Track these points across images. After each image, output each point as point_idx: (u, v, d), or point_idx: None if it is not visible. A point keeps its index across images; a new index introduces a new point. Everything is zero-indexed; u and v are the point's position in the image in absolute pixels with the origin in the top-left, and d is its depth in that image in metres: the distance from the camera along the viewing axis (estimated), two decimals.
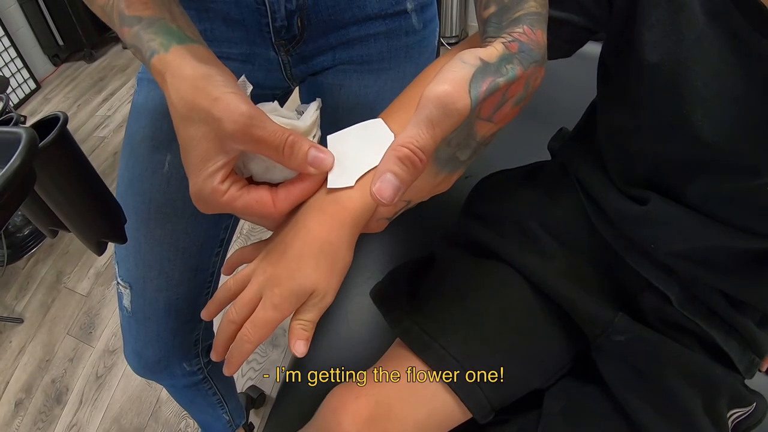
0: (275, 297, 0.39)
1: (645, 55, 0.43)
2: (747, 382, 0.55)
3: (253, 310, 0.40)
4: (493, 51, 0.36)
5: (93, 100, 2.83)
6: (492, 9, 0.39)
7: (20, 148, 0.37)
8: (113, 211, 0.53)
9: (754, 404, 0.54)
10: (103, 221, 0.52)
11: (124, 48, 3.25)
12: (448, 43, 2.70)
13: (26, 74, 2.87)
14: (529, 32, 0.37)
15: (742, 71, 0.39)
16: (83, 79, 3.04)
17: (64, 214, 0.50)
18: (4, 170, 0.36)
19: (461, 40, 2.72)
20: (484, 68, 0.35)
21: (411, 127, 0.34)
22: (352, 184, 0.40)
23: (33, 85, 2.92)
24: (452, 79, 0.33)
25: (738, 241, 0.47)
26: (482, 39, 0.39)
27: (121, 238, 0.54)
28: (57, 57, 3.14)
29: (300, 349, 0.39)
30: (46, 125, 0.47)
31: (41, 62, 3.07)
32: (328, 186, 0.40)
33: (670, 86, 0.42)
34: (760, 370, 0.65)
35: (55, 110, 0.47)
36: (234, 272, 0.46)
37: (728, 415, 0.52)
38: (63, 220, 0.51)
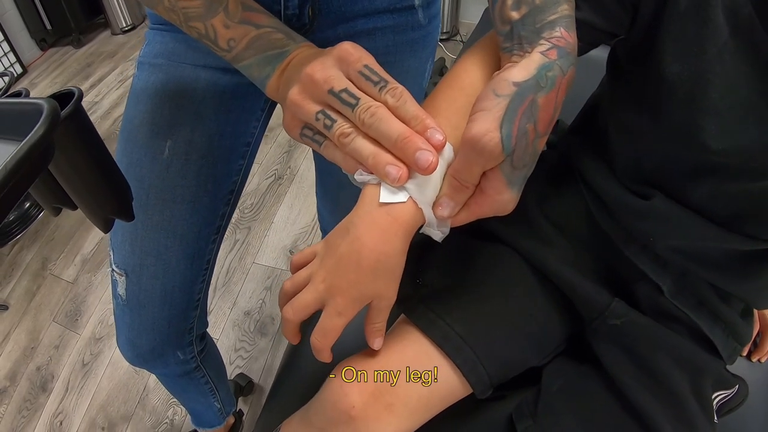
0: (339, 305, 0.41)
1: (666, 65, 0.45)
2: (730, 368, 0.58)
3: (310, 312, 0.43)
4: (529, 65, 0.38)
5: (80, 86, 2.78)
6: (523, 10, 0.40)
7: (42, 118, 0.37)
8: (122, 187, 0.54)
9: (737, 387, 0.58)
10: (112, 198, 0.53)
11: (113, 34, 3.21)
12: (439, 39, 2.70)
13: (13, 58, 2.81)
14: (566, 35, 0.39)
15: (760, 84, 0.41)
16: (70, 64, 2.99)
17: (74, 189, 0.50)
18: (24, 141, 0.36)
19: (452, 37, 2.74)
20: (521, 92, 0.38)
21: (457, 161, 0.40)
22: (405, 200, 0.41)
23: (19, 70, 2.87)
24: (483, 120, 0.38)
25: (734, 242, 0.49)
26: (509, 40, 0.41)
27: (129, 215, 0.55)
28: (44, 41, 3.07)
29: (378, 344, 0.47)
30: (58, 101, 0.47)
31: (28, 46, 3.00)
32: (381, 200, 0.41)
33: (687, 96, 0.44)
34: (741, 355, 0.69)
35: (41, 96, 0.47)
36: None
37: (713, 397, 0.55)
38: (72, 196, 0.51)
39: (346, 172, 0.45)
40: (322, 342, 0.42)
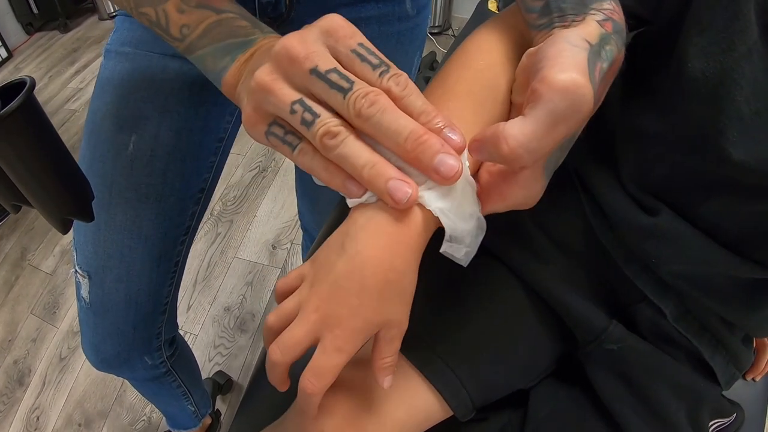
0: (338, 339, 0.33)
1: (689, 60, 0.39)
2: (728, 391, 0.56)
3: (302, 351, 0.34)
4: (592, 30, 0.32)
5: (65, 72, 2.73)
6: None
7: None
8: (80, 186, 0.50)
9: (734, 415, 0.55)
10: (68, 197, 0.49)
11: (101, 19, 3.15)
12: (430, 33, 2.67)
13: None
14: (617, 9, 0.34)
15: None
16: (56, 49, 2.94)
17: (27, 187, 0.47)
18: None
19: (443, 31, 2.70)
20: (594, 51, 0.31)
21: (528, 123, 0.29)
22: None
23: (4, 54, 2.81)
24: (574, 65, 0.29)
25: (740, 270, 0.45)
26: (545, 15, 0.35)
27: (87, 215, 0.51)
28: (30, 26, 3.02)
29: (388, 383, 0.36)
30: (11, 91, 0.43)
31: (14, 30, 2.94)
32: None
33: (709, 97, 0.39)
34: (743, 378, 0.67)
35: None
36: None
37: (710, 425, 0.53)
38: (25, 195, 0.48)
39: (330, 187, 0.35)
40: (316, 385, 0.33)
